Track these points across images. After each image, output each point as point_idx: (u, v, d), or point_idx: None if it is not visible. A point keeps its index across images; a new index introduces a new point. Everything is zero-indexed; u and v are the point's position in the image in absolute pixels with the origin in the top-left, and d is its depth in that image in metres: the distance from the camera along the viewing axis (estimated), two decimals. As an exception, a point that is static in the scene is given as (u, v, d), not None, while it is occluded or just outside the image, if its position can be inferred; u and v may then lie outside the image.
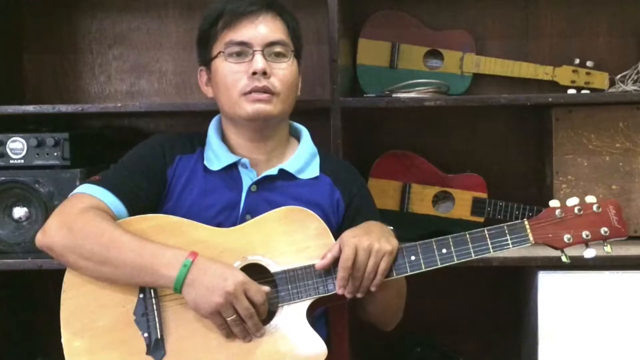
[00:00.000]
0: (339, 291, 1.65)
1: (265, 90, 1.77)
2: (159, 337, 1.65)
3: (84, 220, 1.66)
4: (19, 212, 2.28)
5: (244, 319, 1.61)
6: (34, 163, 2.26)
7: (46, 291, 2.59)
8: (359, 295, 1.66)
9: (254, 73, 1.76)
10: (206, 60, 1.85)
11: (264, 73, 1.76)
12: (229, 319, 1.60)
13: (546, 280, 2.17)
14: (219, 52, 1.80)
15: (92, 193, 1.73)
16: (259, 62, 1.76)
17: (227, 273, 1.61)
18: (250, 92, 1.77)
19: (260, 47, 1.77)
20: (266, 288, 1.65)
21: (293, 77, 1.83)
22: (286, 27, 1.84)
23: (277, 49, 1.80)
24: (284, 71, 1.80)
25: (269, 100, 1.77)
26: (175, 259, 1.62)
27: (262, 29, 1.78)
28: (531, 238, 1.68)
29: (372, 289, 1.65)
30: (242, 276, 1.62)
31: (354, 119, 2.49)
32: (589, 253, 1.69)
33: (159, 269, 1.62)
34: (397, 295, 1.81)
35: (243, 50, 1.78)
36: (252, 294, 1.61)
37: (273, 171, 1.82)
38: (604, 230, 1.68)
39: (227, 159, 1.82)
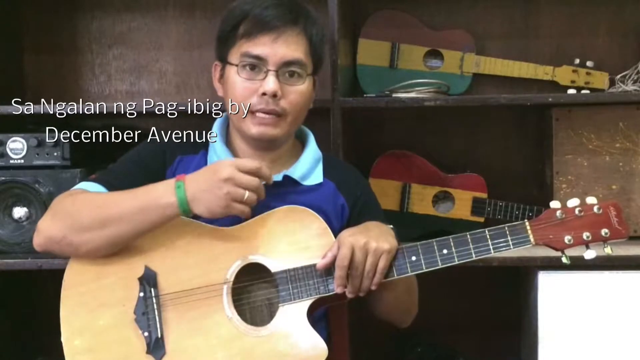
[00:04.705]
0: (338, 290, 1.65)
1: (272, 112, 1.75)
2: (159, 336, 1.64)
3: (72, 200, 1.68)
4: (19, 212, 2.28)
5: (254, 190, 1.63)
6: (34, 163, 2.26)
7: (46, 291, 2.59)
8: (360, 294, 1.66)
9: (264, 94, 1.73)
10: (222, 59, 1.82)
11: (274, 95, 1.73)
12: (245, 198, 1.61)
13: (546, 280, 2.17)
14: (234, 63, 1.76)
15: (86, 188, 1.73)
16: (270, 83, 1.72)
17: (214, 166, 1.65)
18: (257, 111, 1.75)
19: (274, 67, 1.73)
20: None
21: (305, 99, 1.79)
22: (308, 43, 1.78)
23: (293, 69, 1.76)
24: (295, 94, 1.76)
25: (275, 124, 1.75)
26: (167, 186, 1.65)
27: (281, 47, 1.73)
28: (532, 239, 1.67)
29: (373, 287, 1.65)
30: (227, 160, 1.67)
31: (354, 119, 2.49)
32: (590, 254, 1.69)
33: (160, 201, 1.63)
34: (406, 292, 1.80)
35: (257, 65, 1.74)
36: (245, 167, 1.63)
37: (277, 177, 1.79)
38: (604, 231, 1.67)
39: None
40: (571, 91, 2.44)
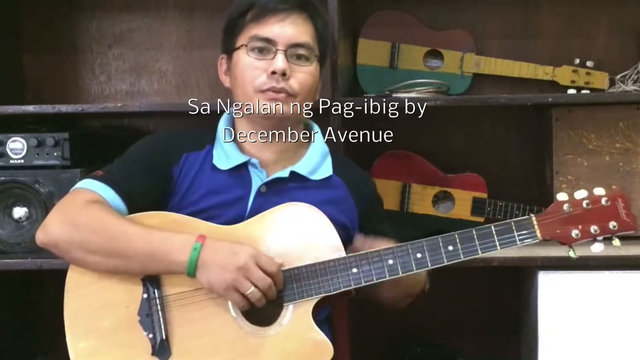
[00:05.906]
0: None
1: (282, 91, 1.75)
2: (164, 337, 1.64)
3: (88, 215, 1.65)
4: (19, 212, 2.28)
5: (262, 290, 1.60)
6: (34, 163, 2.26)
7: (46, 291, 2.59)
8: None
9: (274, 72, 1.74)
10: (228, 49, 1.83)
11: (284, 74, 1.74)
12: (247, 292, 1.59)
13: (546, 280, 2.17)
14: (242, 45, 1.78)
15: (93, 189, 1.71)
16: (279, 62, 1.74)
17: (236, 248, 1.61)
18: (266, 90, 1.75)
19: (283, 47, 1.75)
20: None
21: (312, 81, 1.80)
22: (314, 30, 1.81)
23: (301, 51, 1.77)
24: (304, 74, 1.77)
25: (285, 101, 1.76)
26: (185, 243, 1.61)
27: (289, 29, 1.76)
28: (539, 234, 1.64)
29: None
30: (251, 249, 1.62)
31: (354, 119, 2.49)
32: (597, 247, 1.66)
33: (170, 256, 1.61)
34: (410, 288, 1.83)
35: (266, 47, 1.76)
36: (264, 264, 1.61)
37: (284, 173, 1.79)
38: (612, 224, 1.64)
39: (237, 158, 1.80)
40: (571, 91, 2.44)
